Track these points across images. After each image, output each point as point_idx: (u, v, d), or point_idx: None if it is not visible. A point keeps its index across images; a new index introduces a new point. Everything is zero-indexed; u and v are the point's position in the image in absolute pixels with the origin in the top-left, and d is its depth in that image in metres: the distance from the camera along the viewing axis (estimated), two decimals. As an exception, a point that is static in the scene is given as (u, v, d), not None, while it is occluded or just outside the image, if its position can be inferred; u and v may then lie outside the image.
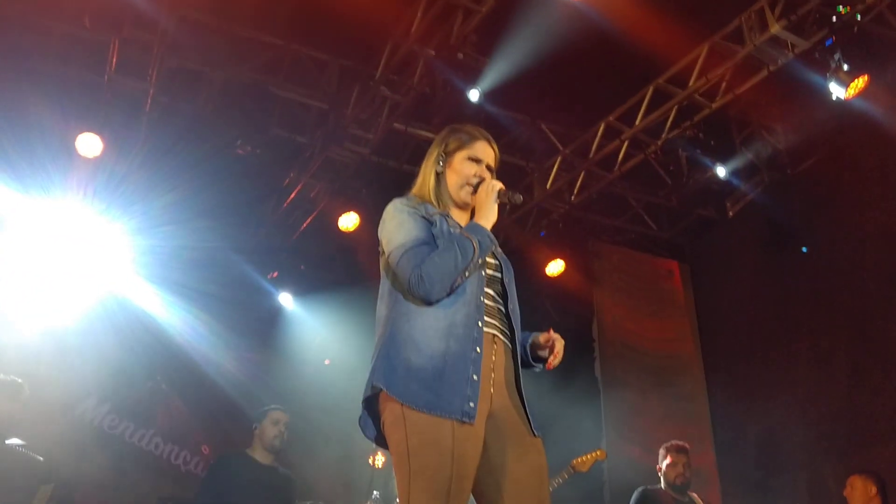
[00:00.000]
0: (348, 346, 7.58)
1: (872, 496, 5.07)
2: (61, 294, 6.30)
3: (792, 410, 6.73)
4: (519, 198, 2.53)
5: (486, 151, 2.62)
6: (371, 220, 6.91)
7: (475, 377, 2.27)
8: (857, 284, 6.43)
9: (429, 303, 2.32)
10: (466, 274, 2.35)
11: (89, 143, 5.94)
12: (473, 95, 6.06)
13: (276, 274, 7.74)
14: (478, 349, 2.31)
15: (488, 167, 2.61)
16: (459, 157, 2.59)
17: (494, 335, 2.40)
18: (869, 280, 6.34)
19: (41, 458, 4.40)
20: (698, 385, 7.80)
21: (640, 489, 5.42)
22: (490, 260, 2.50)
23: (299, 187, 6.91)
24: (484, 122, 6.57)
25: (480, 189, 2.53)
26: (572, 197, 7.41)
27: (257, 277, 7.66)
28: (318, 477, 6.61)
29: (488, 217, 2.46)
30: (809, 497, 6.35)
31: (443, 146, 2.64)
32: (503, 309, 2.47)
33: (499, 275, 2.50)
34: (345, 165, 6.74)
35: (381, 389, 2.27)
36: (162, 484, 6.80)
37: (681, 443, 5.50)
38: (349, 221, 6.88)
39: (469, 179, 2.56)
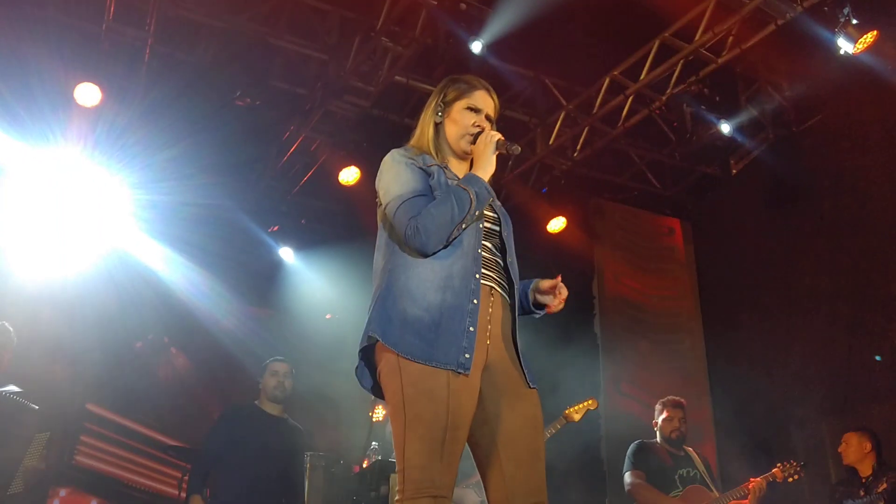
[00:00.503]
0: (349, 300, 7.59)
1: (867, 452, 5.11)
2: (61, 245, 6.30)
3: (790, 367, 6.77)
4: (517, 148, 2.49)
5: (485, 101, 2.58)
6: (372, 174, 6.79)
7: (471, 328, 2.27)
8: (860, 242, 6.41)
9: (425, 255, 2.31)
10: (463, 226, 2.33)
11: (88, 93, 5.88)
12: (476, 47, 5.97)
13: (276, 228, 7.72)
14: (474, 301, 2.30)
15: (488, 117, 2.57)
16: (458, 107, 2.56)
17: (492, 288, 2.39)
18: (872, 238, 6.32)
19: (36, 407, 4.43)
20: (697, 342, 7.84)
21: (636, 443, 5.48)
22: (488, 213, 2.48)
23: (299, 140, 6.86)
24: (487, 75, 6.44)
25: (479, 140, 2.50)
26: (575, 153, 7.35)
27: (258, 231, 7.64)
28: (318, 429, 6.67)
29: (486, 168, 2.44)
30: (805, 453, 6.41)
31: (441, 96, 2.60)
32: (501, 262, 2.46)
33: (497, 228, 2.49)
34: (346, 118, 6.67)
35: (377, 340, 2.28)
36: (165, 434, 6.88)
37: (676, 398, 5.55)
38: (350, 175, 6.83)
39: (468, 129, 2.53)
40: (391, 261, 2.38)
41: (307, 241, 7.87)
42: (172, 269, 6.80)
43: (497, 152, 2.47)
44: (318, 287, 7.85)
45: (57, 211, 6.30)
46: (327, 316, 7.91)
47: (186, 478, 5.13)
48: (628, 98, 6.69)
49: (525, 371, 2.38)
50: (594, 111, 6.89)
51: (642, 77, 6.46)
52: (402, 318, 2.26)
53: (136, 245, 6.68)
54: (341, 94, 6.35)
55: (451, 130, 2.55)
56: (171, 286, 6.84)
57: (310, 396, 7.24)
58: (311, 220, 8.03)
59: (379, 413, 6.07)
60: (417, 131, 2.62)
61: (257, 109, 6.43)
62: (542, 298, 2.53)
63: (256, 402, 5.09)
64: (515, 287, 2.46)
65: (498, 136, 2.49)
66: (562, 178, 7.55)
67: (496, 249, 2.47)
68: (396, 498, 2.19)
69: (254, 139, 6.91)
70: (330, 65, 6.43)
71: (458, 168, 2.56)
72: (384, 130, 6.88)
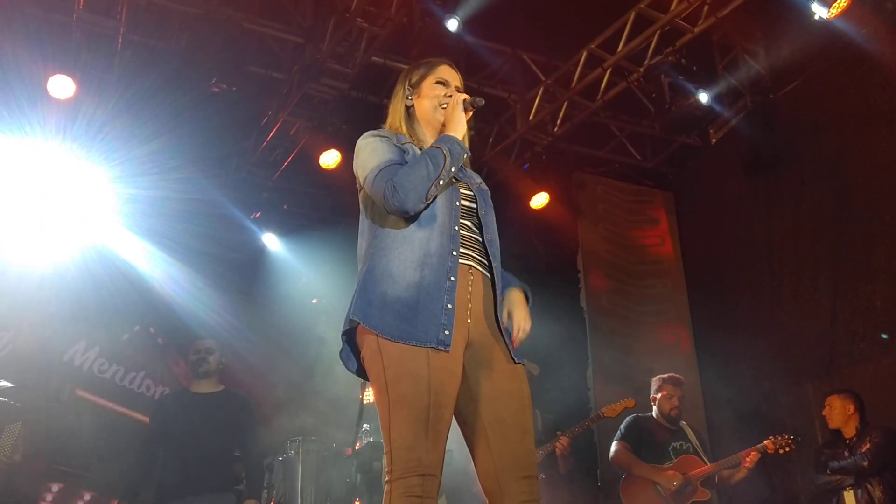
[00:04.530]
0: (335, 284, 7.59)
1: (850, 414, 5.18)
2: (40, 238, 6.25)
3: (776, 333, 6.82)
4: (480, 101, 2.55)
5: (451, 74, 2.64)
6: (352, 157, 6.82)
7: (450, 305, 2.30)
8: (840, 207, 6.44)
9: (406, 214, 2.33)
10: (441, 182, 2.35)
11: (61, 85, 5.82)
12: (452, 25, 5.93)
13: (259, 214, 7.69)
14: (452, 278, 2.33)
15: (458, 90, 2.62)
16: (428, 84, 2.61)
17: (471, 266, 2.42)
18: (852, 202, 6.36)
19: (3, 399, 4.40)
20: (682, 312, 7.89)
21: (630, 417, 5.53)
22: (465, 191, 2.51)
23: (278, 125, 6.81)
24: (464, 53, 6.46)
25: (448, 106, 2.55)
26: (555, 128, 7.35)
27: (241, 218, 7.61)
28: (309, 412, 6.70)
29: (457, 128, 2.48)
30: (791, 417, 6.49)
31: (407, 81, 2.66)
32: (479, 240, 2.48)
33: (474, 206, 2.52)
34: (324, 101, 6.63)
35: (358, 323, 2.31)
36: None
37: (677, 376, 5.58)
38: (330, 158, 6.80)
39: (441, 100, 2.58)
40: (373, 244, 2.41)
41: (290, 226, 7.86)
42: (154, 261, 6.77)
43: (466, 112, 2.53)
44: (304, 272, 7.84)
45: (36, 204, 6.25)
46: (314, 300, 7.91)
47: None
48: (606, 71, 6.69)
49: (510, 347, 2.41)
50: (573, 85, 6.88)
51: (619, 49, 6.45)
52: (382, 299, 2.29)
53: (116, 238, 6.64)
54: (318, 77, 6.31)
55: (424, 107, 2.60)
56: (153, 278, 6.81)
57: (298, 380, 7.26)
58: (293, 205, 8.01)
59: (369, 395, 6.09)
60: (388, 118, 2.66)
61: (234, 95, 6.38)
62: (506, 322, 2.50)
63: (189, 387, 5.02)
64: (495, 264, 2.48)
65: (463, 96, 2.55)
66: (543, 153, 7.55)
67: (474, 227, 2.49)
68: (386, 479, 2.22)
69: (232, 126, 6.87)
70: (306, 47, 6.37)
71: None
72: (363, 112, 6.84)
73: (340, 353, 2.45)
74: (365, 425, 5.87)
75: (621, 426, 5.52)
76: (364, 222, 2.50)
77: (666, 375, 5.58)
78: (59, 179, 6.26)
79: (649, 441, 5.36)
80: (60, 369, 6.61)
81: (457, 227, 2.41)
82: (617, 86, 6.85)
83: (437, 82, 2.60)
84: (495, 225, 2.58)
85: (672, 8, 6.02)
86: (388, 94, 7.19)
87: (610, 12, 6.42)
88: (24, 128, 5.91)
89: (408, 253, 2.34)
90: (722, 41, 7.01)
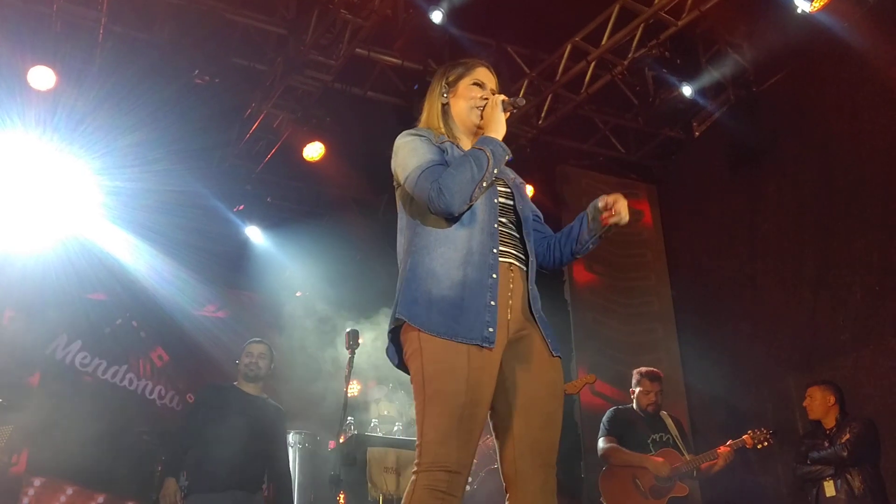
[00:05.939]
0: (319, 277, 7.58)
1: (831, 405, 5.23)
2: (22, 230, 6.20)
3: (758, 325, 6.88)
4: (522, 101, 2.57)
5: (488, 76, 2.68)
6: (336, 149, 6.80)
7: (493, 302, 2.33)
8: (822, 201, 6.49)
9: (451, 216, 2.36)
10: (484, 184, 2.38)
11: (41, 76, 5.77)
12: (436, 17, 5.92)
13: (242, 207, 7.65)
14: (493, 275, 2.37)
15: (493, 92, 2.64)
16: (464, 84, 2.64)
17: (510, 263, 2.45)
18: (834, 196, 6.41)
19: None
20: (666, 304, 7.93)
21: (611, 410, 5.57)
22: (502, 188, 2.54)
23: (261, 117, 6.77)
24: (448, 46, 6.45)
25: (486, 106, 2.56)
26: (539, 121, 7.36)
27: (224, 211, 7.56)
28: (292, 405, 6.67)
29: (497, 130, 2.50)
30: (773, 408, 6.54)
31: (444, 79, 2.69)
32: (518, 235, 2.52)
33: (511, 202, 2.55)
34: (307, 93, 6.59)
35: (404, 321, 2.34)
36: (138, 418, 6.84)
37: (654, 370, 5.60)
38: (314, 151, 6.77)
39: (477, 102, 2.61)
40: (414, 242, 2.43)
41: (274, 218, 7.82)
42: (137, 254, 6.73)
43: (506, 112, 2.54)
44: (287, 264, 7.82)
45: (17, 196, 6.19)
46: (297, 293, 7.89)
47: (163, 458, 5.11)
48: (590, 64, 6.70)
49: (548, 340, 2.44)
50: (557, 78, 6.89)
51: (604, 42, 6.47)
52: (427, 297, 2.32)
53: (99, 230, 6.59)
54: (302, 69, 6.28)
55: (459, 106, 2.63)
56: (136, 270, 6.78)
57: (282, 373, 7.23)
58: (276, 198, 7.97)
59: (353, 388, 6.09)
60: (424, 115, 2.68)
61: (217, 87, 6.33)
62: (597, 221, 2.49)
63: (235, 382, 5.12)
64: (531, 258, 2.51)
65: (501, 97, 2.56)
66: (527, 146, 7.55)
67: (512, 224, 2.53)
68: (413, 469, 2.25)
69: (215, 118, 6.82)
70: (289, 39, 6.34)
71: (468, 146, 2.59)
72: (347, 104, 6.81)
73: (387, 350, 2.48)
74: (349, 418, 5.86)
75: (604, 420, 5.54)
76: (402, 219, 2.53)
77: (644, 370, 5.59)
78: (40, 171, 6.20)
79: (631, 433, 5.40)
80: (42, 363, 6.57)
81: (496, 225, 2.45)
82: (601, 79, 6.87)
83: (474, 84, 2.63)
84: (531, 218, 2.60)
85: (656, 1, 6.04)
86: (373, 87, 7.22)
87: (594, 5, 6.43)
88: (3, 120, 5.86)
89: (451, 252, 2.37)
90: (705, 34, 7.03)
